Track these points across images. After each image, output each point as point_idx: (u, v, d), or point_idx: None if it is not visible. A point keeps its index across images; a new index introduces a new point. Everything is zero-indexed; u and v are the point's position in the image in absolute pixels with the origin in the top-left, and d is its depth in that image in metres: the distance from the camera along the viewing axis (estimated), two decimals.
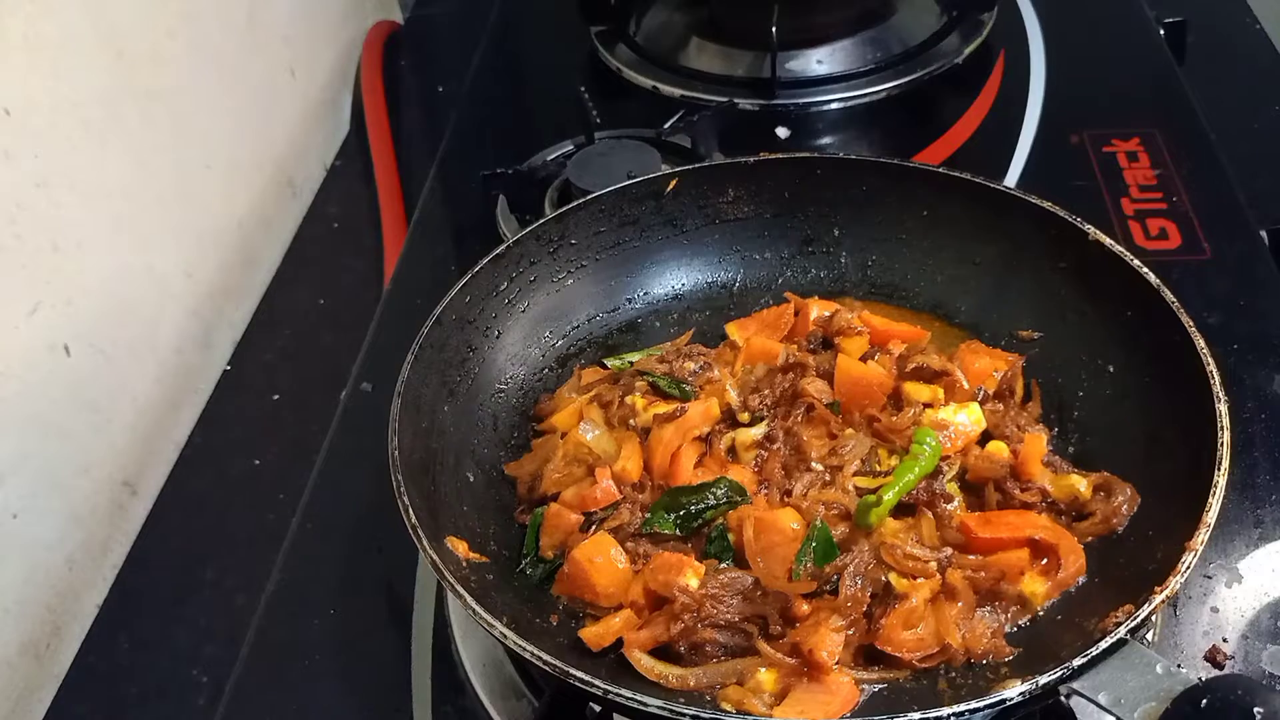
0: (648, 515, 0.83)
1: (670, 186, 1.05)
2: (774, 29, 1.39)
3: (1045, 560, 0.78)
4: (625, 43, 1.57)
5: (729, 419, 0.91)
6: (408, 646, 0.90)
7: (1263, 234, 1.18)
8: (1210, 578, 0.86)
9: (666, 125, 1.34)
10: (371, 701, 0.87)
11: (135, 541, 1.11)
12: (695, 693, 0.74)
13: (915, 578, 0.76)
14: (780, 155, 1.07)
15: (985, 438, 0.87)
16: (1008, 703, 0.65)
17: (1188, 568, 0.69)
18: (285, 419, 1.21)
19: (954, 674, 0.74)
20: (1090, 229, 0.91)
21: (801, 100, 1.43)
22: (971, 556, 0.78)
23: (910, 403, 0.88)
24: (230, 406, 1.25)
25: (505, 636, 0.70)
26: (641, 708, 0.66)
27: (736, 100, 1.43)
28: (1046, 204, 0.95)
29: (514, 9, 1.77)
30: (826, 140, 1.41)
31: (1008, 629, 0.77)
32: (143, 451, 1.17)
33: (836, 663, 0.72)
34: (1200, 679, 0.63)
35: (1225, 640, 0.82)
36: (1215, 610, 0.84)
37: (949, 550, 0.78)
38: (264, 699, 0.88)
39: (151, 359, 1.19)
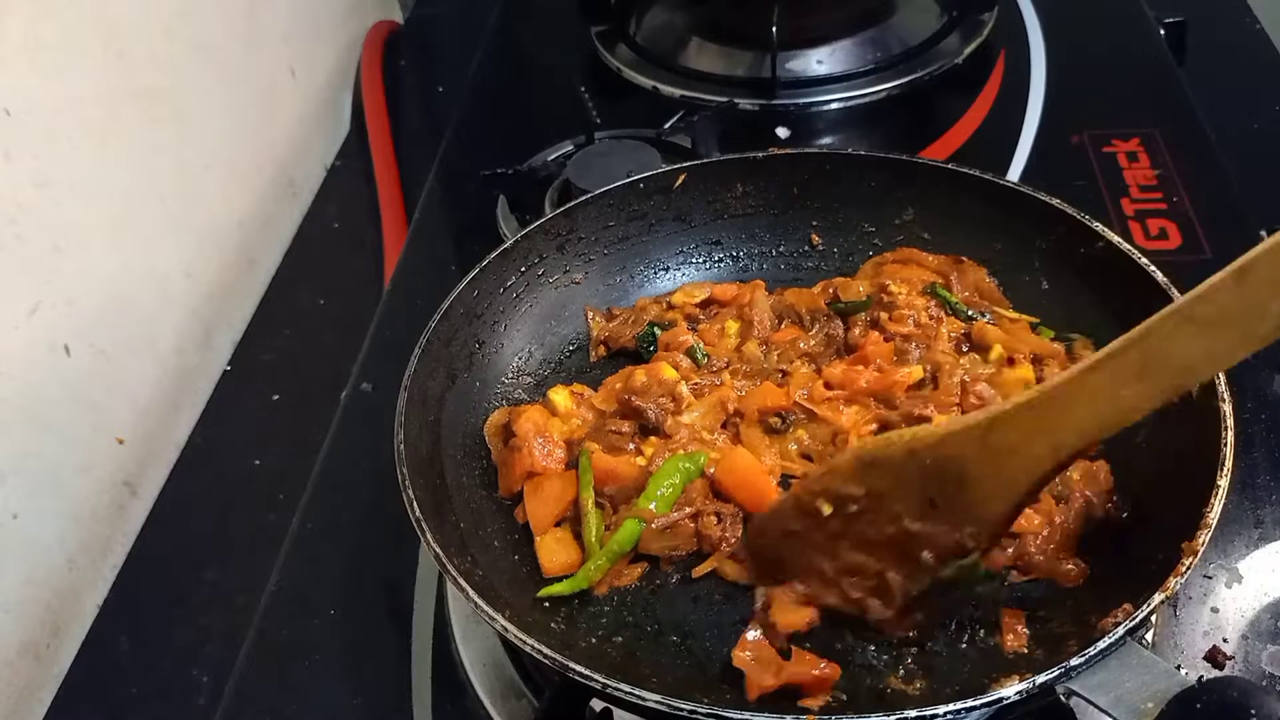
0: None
1: (679, 181, 1.06)
2: (774, 29, 1.39)
3: None
4: (625, 43, 1.57)
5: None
6: (408, 646, 0.90)
7: (1263, 234, 1.17)
8: (1210, 578, 0.86)
9: (667, 125, 1.34)
10: (371, 701, 0.87)
11: (135, 541, 1.11)
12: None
13: None
14: (789, 150, 1.08)
15: None
16: (1004, 701, 0.65)
17: (1188, 569, 0.69)
18: (285, 419, 1.21)
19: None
20: (1100, 227, 0.91)
21: (802, 100, 1.43)
22: None
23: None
24: (230, 406, 1.25)
25: (507, 630, 0.70)
26: (640, 702, 0.67)
27: (737, 100, 1.43)
28: (1055, 201, 0.95)
29: (514, 9, 1.77)
30: (827, 140, 1.41)
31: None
32: (143, 451, 1.17)
33: None
34: (1198, 680, 0.63)
35: (1225, 640, 0.82)
36: (1215, 610, 0.84)
37: None
38: (264, 699, 0.88)
39: (151, 359, 1.19)
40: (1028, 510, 0.79)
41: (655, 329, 1.01)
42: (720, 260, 1.09)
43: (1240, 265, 0.56)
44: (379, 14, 1.83)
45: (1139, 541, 0.78)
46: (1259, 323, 0.57)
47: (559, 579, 0.82)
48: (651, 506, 0.84)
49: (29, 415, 1.01)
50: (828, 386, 0.92)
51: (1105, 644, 0.65)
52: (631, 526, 0.83)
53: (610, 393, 0.94)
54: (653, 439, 0.90)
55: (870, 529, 0.73)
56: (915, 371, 0.91)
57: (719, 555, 0.84)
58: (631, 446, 0.90)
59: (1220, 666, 0.80)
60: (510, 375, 0.99)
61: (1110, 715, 0.63)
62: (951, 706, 0.64)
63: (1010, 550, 0.80)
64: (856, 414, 0.90)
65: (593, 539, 0.83)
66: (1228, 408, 0.76)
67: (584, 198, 1.04)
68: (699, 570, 0.83)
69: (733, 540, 0.84)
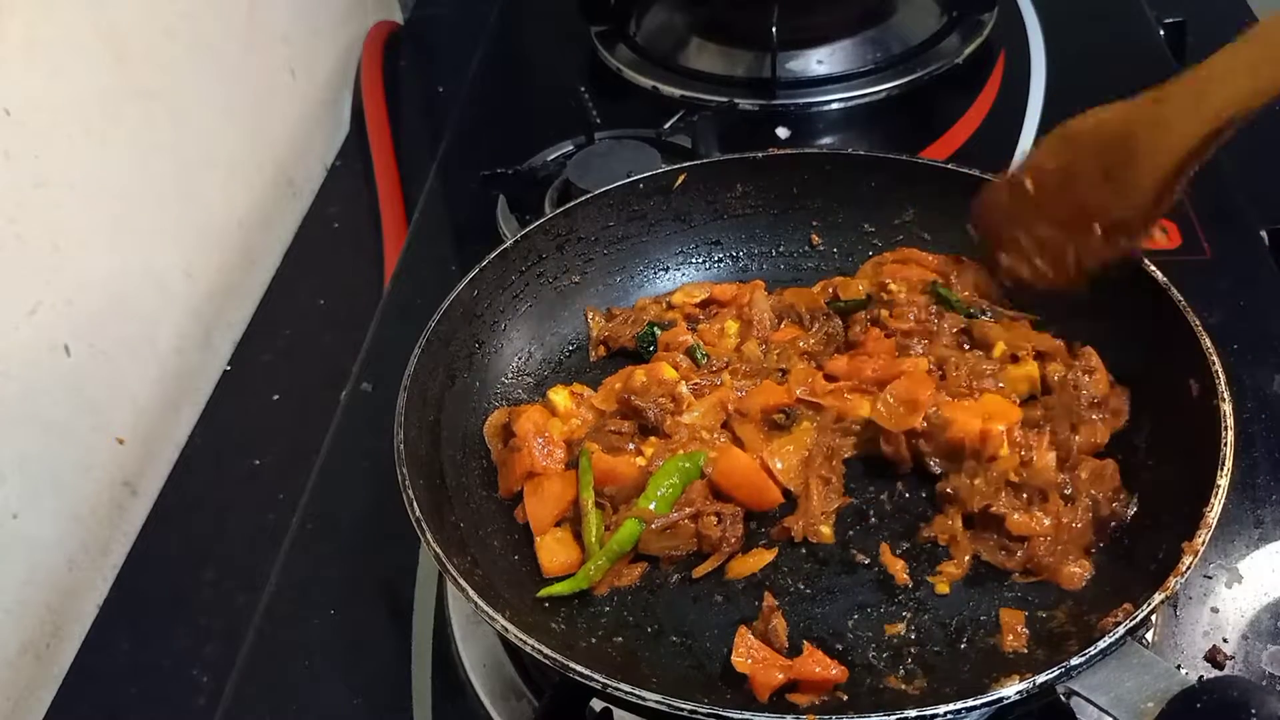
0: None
1: (679, 181, 1.06)
2: (774, 29, 1.39)
3: None
4: (625, 43, 1.57)
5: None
6: (408, 646, 0.90)
7: (1263, 234, 1.18)
8: (1210, 578, 0.86)
9: (666, 125, 1.34)
10: (371, 702, 0.87)
11: (135, 541, 1.11)
12: None
13: None
14: (789, 150, 1.08)
15: None
16: (1005, 701, 0.65)
17: (1188, 569, 0.69)
18: (285, 419, 1.21)
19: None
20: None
21: (802, 100, 1.43)
22: None
23: None
24: (230, 406, 1.25)
25: (507, 630, 0.71)
26: (640, 702, 0.67)
27: (737, 100, 1.43)
28: None
29: (514, 9, 1.77)
30: (827, 140, 1.41)
31: None
32: (143, 451, 1.17)
33: None
34: (1198, 680, 0.63)
35: (1225, 640, 0.82)
36: (1215, 610, 0.84)
37: None
38: (264, 699, 0.88)
39: (151, 359, 1.19)
40: (1035, 513, 0.80)
41: (655, 329, 1.01)
42: (720, 260, 1.09)
43: None
44: (379, 14, 1.83)
45: (1139, 541, 0.78)
46: None
47: (559, 579, 0.82)
48: (651, 506, 0.83)
49: (29, 415, 1.01)
50: (828, 379, 0.92)
51: (1105, 644, 0.65)
52: (631, 527, 0.83)
53: (610, 393, 0.94)
54: (653, 439, 0.90)
55: (1060, 201, 0.85)
56: (921, 362, 0.91)
57: (719, 555, 0.84)
58: (631, 446, 0.90)
59: (1220, 666, 0.80)
60: (510, 375, 0.99)
61: (1110, 715, 0.63)
62: (951, 706, 0.64)
63: (1019, 554, 0.80)
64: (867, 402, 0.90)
65: (593, 539, 0.83)
66: (1228, 408, 0.76)
67: (584, 198, 1.04)
68: (699, 570, 0.83)
69: (733, 540, 0.84)
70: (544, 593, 0.81)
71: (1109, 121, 0.82)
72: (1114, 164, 0.81)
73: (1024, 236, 0.89)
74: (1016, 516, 0.80)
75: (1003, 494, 0.81)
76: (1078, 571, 0.78)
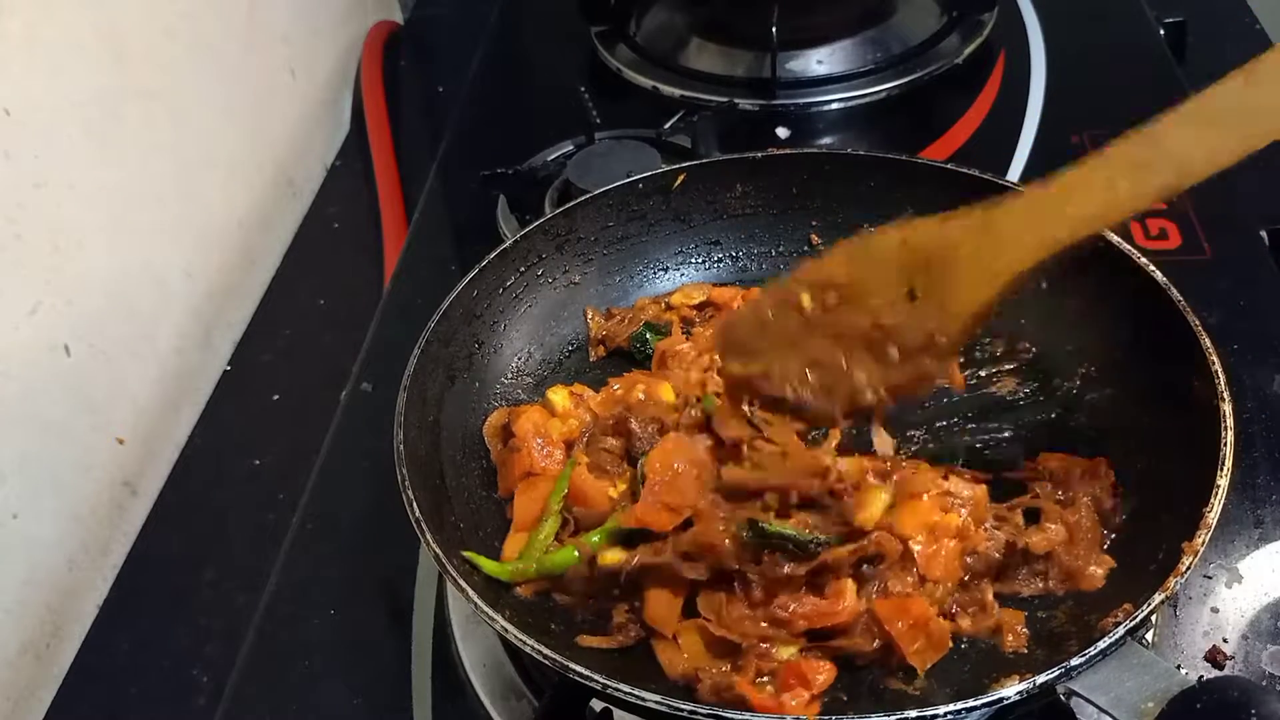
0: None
1: (678, 181, 1.06)
2: (774, 29, 1.39)
3: None
4: (625, 43, 1.57)
5: None
6: (408, 646, 0.90)
7: (1263, 234, 1.18)
8: (1210, 578, 0.86)
9: (666, 125, 1.34)
10: (371, 702, 0.87)
11: (135, 541, 1.11)
12: None
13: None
14: (788, 150, 1.08)
15: None
16: (1005, 701, 0.65)
17: (1188, 569, 0.69)
18: (285, 419, 1.21)
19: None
20: None
21: (802, 100, 1.43)
22: None
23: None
24: (230, 406, 1.25)
25: (507, 631, 0.70)
26: (640, 702, 0.67)
27: (736, 100, 1.43)
28: None
29: (514, 9, 1.77)
30: (827, 140, 1.41)
31: None
32: (143, 451, 1.17)
33: None
34: (1198, 680, 0.63)
35: (1225, 641, 0.82)
36: (1215, 610, 0.84)
37: None
38: (264, 699, 0.88)
39: (151, 359, 1.19)
40: (1048, 525, 0.79)
41: (649, 330, 1.00)
42: (719, 260, 1.09)
43: (1250, 66, 0.60)
44: (379, 14, 1.83)
45: (1139, 541, 0.78)
46: (1261, 121, 0.62)
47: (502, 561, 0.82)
48: (594, 540, 0.80)
49: (29, 415, 1.01)
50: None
51: (1105, 644, 0.65)
52: (567, 554, 0.80)
53: (610, 397, 0.93)
54: (629, 471, 0.86)
55: (845, 320, 0.73)
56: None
57: (610, 639, 0.78)
58: (613, 470, 0.86)
59: (1220, 667, 0.81)
60: (509, 375, 0.99)
61: (1110, 715, 0.63)
62: (951, 706, 0.64)
63: (1052, 572, 0.79)
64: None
65: (538, 540, 0.81)
66: (1228, 408, 0.76)
67: (583, 198, 1.04)
68: (585, 640, 0.78)
69: (631, 637, 0.78)
70: (467, 554, 0.79)
71: (924, 237, 0.72)
72: (928, 282, 0.71)
73: (791, 356, 0.75)
74: (1035, 538, 0.79)
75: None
76: (1097, 572, 0.77)
